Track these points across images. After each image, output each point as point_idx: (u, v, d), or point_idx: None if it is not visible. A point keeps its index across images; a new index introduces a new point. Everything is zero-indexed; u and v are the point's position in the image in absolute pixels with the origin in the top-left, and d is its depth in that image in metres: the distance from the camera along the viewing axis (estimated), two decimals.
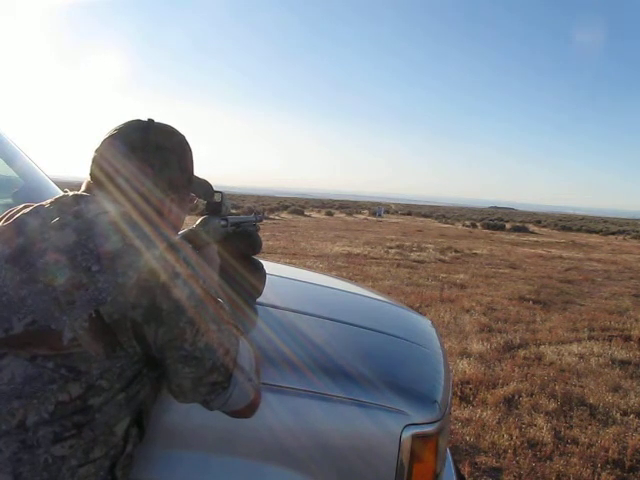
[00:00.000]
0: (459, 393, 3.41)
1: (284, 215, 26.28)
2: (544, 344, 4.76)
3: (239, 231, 1.44)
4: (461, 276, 8.60)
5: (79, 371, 0.83)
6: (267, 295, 1.49)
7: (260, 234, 1.53)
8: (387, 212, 39.87)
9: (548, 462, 2.65)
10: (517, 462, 2.63)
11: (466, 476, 2.42)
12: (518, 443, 2.80)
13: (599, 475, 2.55)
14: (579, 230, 29.47)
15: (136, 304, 0.84)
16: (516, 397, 3.42)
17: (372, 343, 1.43)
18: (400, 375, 1.25)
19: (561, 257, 13.10)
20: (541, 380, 3.77)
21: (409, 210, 47.45)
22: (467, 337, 4.81)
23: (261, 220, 1.58)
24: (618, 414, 3.26)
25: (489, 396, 3.39)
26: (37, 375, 0.82)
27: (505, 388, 3.55)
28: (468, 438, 2.83)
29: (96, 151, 1.03)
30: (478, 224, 27.63)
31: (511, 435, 2.88)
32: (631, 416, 3.25)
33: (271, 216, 23.38)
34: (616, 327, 5.57)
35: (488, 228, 25.76)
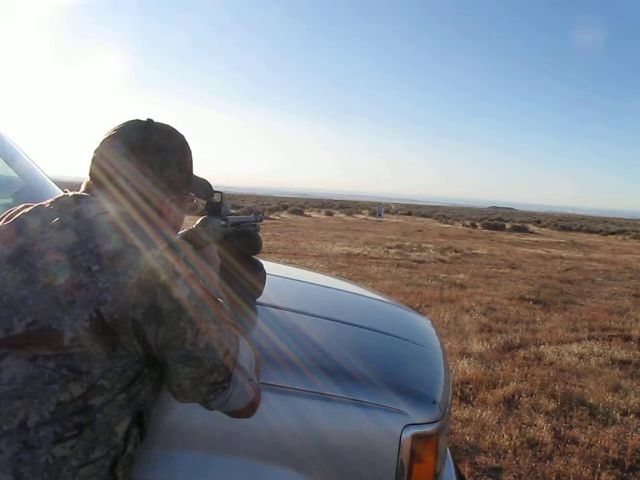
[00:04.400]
0: (459, 393, 3.40)
1: (284, 215, 26.27)
2: (544, 344, 4.76)
3: (239, 231, 1.44)
4: (461, 276, 8.60)
5: (80, 371, 0.83)
6: (267, 295, 1.50)
7: (260, 234, 1.53)
8: (387, 212, 39.83)
9: (548, 462, 2.65)
10: (517, 462, 2.63)
11: (466, 476, 2.42)
12: (518, 443, 2.80)
13: (599, 475, 2.55)
14: (579, 230, 29.45)
15: (137, 304, 0.84)
16: (516, 397, 3.41)
17: (372, 343, 1.43)
18: (400, 375, 1.26)
19: (561, 257, 13.10)
20: (541, 380, 3.76)
21: (409, 210, 47.40)
22: (467, 337, 4.81)
23: (261, 220, 1.58)
24: (618, 414, 3.26)
25: (489, 396, 3.39)
26: (38, 375, 0.82)
27: (505, 388, 3.55)
28: (468, 438, 2.83)
29: (96, 151, 1.03)
30: (478, 224, 27.62)
31: (511, 435, 2.88)
32: (631, 416, 3.25)
33: (271, 216, 23.37)
34: (616, 327, 5.57)
35: (488, 228, 25.75)
